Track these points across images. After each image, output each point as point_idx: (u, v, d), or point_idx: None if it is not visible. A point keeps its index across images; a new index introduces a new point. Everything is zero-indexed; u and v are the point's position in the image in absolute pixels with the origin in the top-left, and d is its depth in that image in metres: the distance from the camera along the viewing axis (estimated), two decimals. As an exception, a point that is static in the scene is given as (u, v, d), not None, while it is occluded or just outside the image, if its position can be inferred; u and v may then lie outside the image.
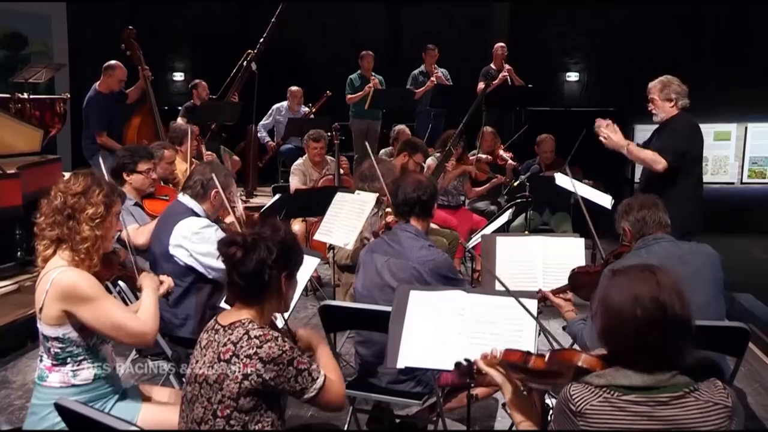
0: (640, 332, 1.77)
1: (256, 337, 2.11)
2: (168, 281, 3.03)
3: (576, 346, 3.09)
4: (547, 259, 3.64)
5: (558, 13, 10.97)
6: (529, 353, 2.01)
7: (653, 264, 1.91)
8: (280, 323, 2.45)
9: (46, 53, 10.48)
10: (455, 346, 2.68)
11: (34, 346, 4.57)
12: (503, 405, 3.82)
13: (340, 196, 4.66)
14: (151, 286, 2.81)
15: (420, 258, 3.22)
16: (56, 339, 2.50)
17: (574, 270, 3.30)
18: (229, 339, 2.13)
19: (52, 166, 5.90)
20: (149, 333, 2.59)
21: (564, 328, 5.05)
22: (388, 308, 2.89)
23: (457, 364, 2.16)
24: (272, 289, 2.21)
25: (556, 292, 3.30)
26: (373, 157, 5.06)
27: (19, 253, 5.73)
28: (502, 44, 8.82)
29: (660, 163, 4.27)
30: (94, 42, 9.14)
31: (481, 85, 7.66)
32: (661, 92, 4.43)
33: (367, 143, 5.43)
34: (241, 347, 2.10)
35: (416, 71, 8.89)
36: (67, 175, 2.79)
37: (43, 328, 2.53)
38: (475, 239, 5.18)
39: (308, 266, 3.25)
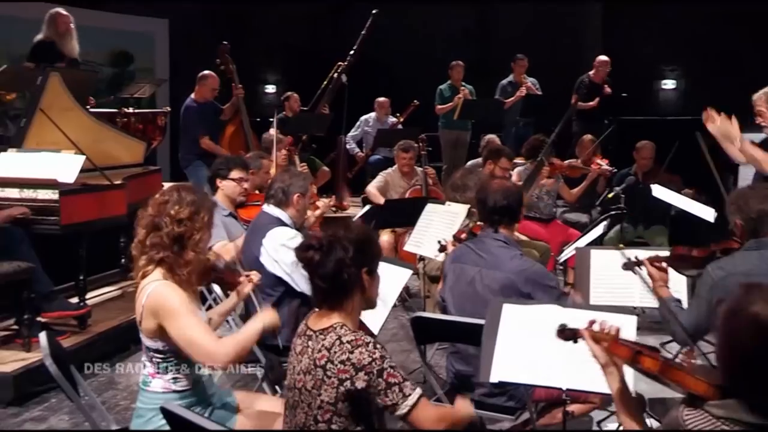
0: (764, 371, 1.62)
1: (348, 342, 2.14)
2: (257, 277, 3.09)
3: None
4: (644, 273, 3.51)
5: (653, 18, 10.64)
6: (640, 352, 1.91)
7: None
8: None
9: (149, 69, 11.01)
10: (550, 362, 2.63)
11: (137, 349, 4.74)
12: (599, 422, 3.72)
13: (430, 207, 4.66)
14: (262, 321, 2.71)
15: (514, 268, 3.17)
16: (156, 351, 2.59)
17: (676, 248, 3.13)
18: (322, 345, 2.17)
19: (154, 176, 6.13)
20: (220, 358, 2.51)
21: (663, 346, 4.90)
22: (482, 321, 2.87)
23: (562, 328, 2.11)
24: (355, 287, 2.24)
25: (653, 260, 3.12)
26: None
27: (122, 260, 6.01)
28: (606, 59, 8.54)
29: None
30: (192, 57, 9.50)
31: (575, 98, 7.51)
32: (767, 103, 4.26)
33: None
34: (335, 352, 2.14)
35: (505, 81, 8.82)
36: (166, 185, 2.85)
37: (144, 340, 2.62)
38: (568, 252, 5.07)
39: (400, 278, 3.27)
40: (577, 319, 2.71)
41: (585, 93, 8.03)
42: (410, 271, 3.33)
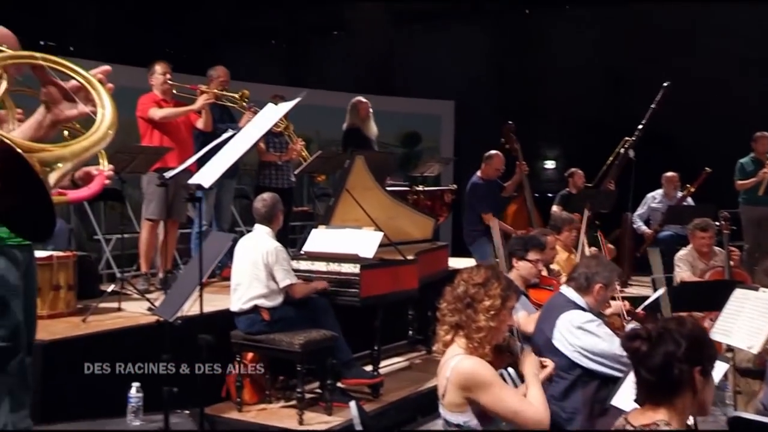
0: None
1: None
2: (551, 365, 3.03)
3: None
4: None
5: None
6: None
7: None
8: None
9: (435, 148, 11.73)
10: None
11: (424, 421, 4.88)
12: None
13: (741, 293, 4.20)
14: (533, 372, 2.84)
15: None
16: (457, 425, 2.62)
17: None
18: None
19: (441, 252, 6.31)
20: (544, 420, 2.65)
21: None
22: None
23: None
24: (684, 385, 2.06)
25: None
26: None
27: (410, 332, 6.25)
28: None
29: None
30: (475, 136, 9.87)
31: None
32: None
33: None
34: None
35: (826, 151, 7.87)
36: (457, 262, 2.98)
37: (445, 414, 2.67)
38: None
39: (716, 372, 2.96)
40: None
41: None
42: (727, 365, 3.01)
